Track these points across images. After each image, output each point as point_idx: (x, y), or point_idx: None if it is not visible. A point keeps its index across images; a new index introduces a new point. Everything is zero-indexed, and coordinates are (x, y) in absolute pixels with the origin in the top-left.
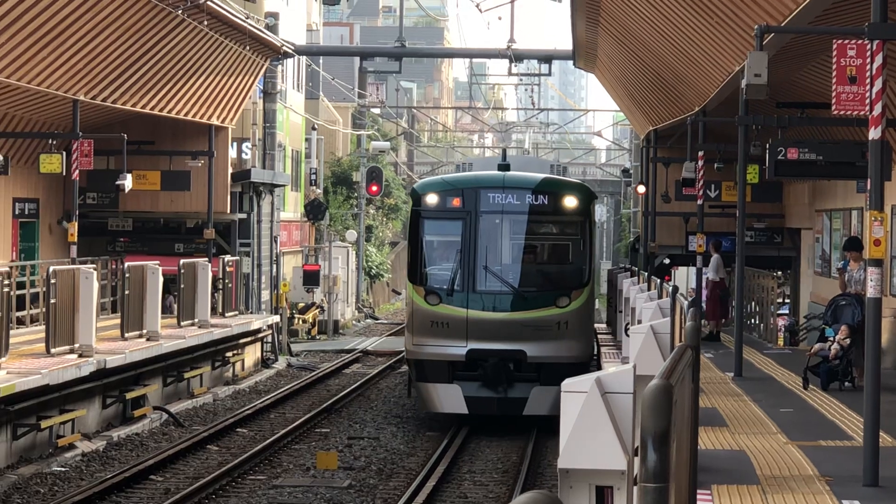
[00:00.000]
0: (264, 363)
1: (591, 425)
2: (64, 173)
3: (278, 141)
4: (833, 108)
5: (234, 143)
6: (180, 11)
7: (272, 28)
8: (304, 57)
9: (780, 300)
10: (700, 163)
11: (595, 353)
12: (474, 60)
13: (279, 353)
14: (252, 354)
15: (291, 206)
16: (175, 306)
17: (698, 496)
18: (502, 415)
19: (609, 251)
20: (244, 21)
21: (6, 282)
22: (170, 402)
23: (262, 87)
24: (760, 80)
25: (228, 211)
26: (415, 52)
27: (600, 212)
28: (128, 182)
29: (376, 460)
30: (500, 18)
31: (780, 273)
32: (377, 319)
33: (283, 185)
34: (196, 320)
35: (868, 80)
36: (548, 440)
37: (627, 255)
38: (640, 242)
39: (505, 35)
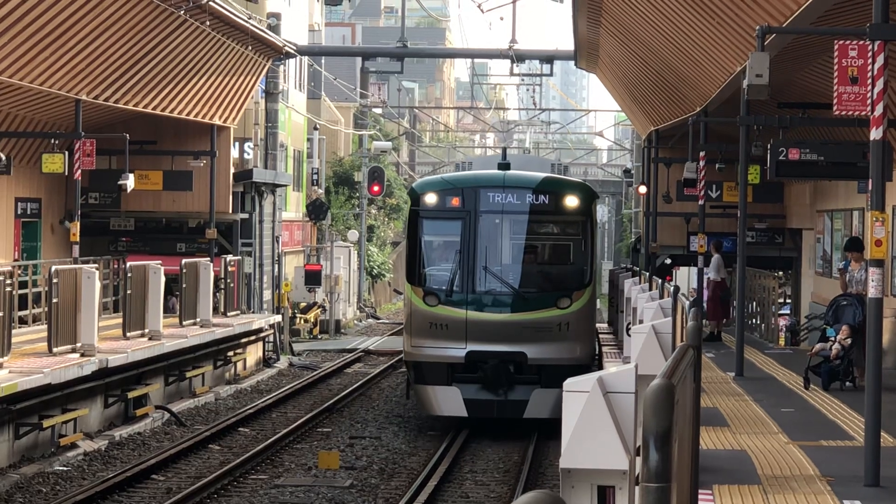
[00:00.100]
0: (266, 363)
1: (592, 425)
2: (66, 173)
3: (280, 141)
4: (834, 108)
5: (237, 143)
6: (182, 12)
7: (274, 28)
8: (307, 57)
9: (781, 300)
10: (701, 163)
11: (597, 353)
12: (476, 61)
13: (281, 352)
14: (254, 354)
15: (293, 206)
16: (177, 307)
17: (699, 496)
18: (502, 418)
19: (610, 251)
20: (246, 21)
21: (8, 281)
22: (172, 402)
23: (264, 87)
24: (762, 81)
25: (230, 211)
26: (417, 52)
27: (602, 212)
28: (130, 182)
29: (378, 460)
30: (501, 19)
31: (781, 273)
32: (379, 319)
33: (285, 185)
34: (198, 320)
35: (869, 81)
36: (549, 440)
37: (629, 255)
38: (641, 243)
39: (506, 35)
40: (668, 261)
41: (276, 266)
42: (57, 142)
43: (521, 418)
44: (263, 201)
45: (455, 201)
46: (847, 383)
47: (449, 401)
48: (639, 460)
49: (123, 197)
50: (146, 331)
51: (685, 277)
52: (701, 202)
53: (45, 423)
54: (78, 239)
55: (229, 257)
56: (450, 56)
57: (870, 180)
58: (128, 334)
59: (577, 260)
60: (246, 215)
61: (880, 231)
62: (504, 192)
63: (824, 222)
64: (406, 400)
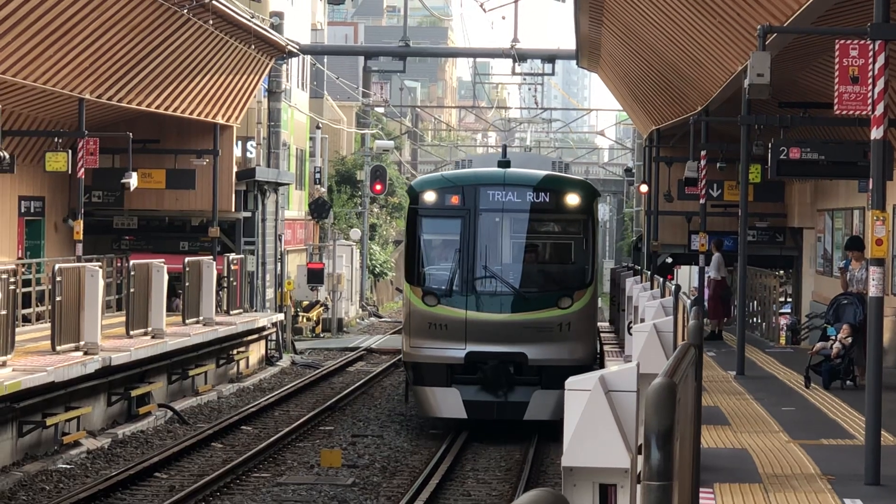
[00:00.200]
0: (269, 361)
1: (594, 423)
2: (69, 171)
3: (283, 140)
4: (835, 107)
5: (239, 142)
6: (186, 11)
7: (277, 27)
8: (309, 56)
9: (782, 299)
10: (702, 162)
11: (598, 353)
12: (478, 60)
13: (283, 350)
14: (256, 352)
15: (296, 205)
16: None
17: (701, 494)
18: (502, 420)
19: (612, 250)
20: (249, 20)
21: (12, 279)
22: (174, 400)
23: (266, 86)
24: (763, 80)
25: (233, 209)
26: (419, 51)
27: (603, 211)
28: (133, 180)
29: (380, 458)
30: (503, 18)
31: (782, 272)
32: (381, 317)
33: (288, 184)
34: (201, 318)
35: (870, 81)
36: (551, 439)
37: (630, 253)
38: (642, 241)
39: (508, 35)
40: (670, 259)
41: (279, 264)
42: (60, 140)
43: (521, 420)
44: (266, 200)
45: (455, 199)
46: (848, 382)
47: (448, 402)
48: (640, 459)
49: (127, 195)
50: (149, 329)
51: (686, 276)
52: (702, 201)
53: (49, 422)
54: (81, 237)
55: (232, 256)
56: (452, 55)
57: (870, 179)
58: (131, 332)
59: (579, 259)
60: (249, 214)
61: (881, 230)
62: (504, 190)
63: (825, 221)
64: (404, 402)
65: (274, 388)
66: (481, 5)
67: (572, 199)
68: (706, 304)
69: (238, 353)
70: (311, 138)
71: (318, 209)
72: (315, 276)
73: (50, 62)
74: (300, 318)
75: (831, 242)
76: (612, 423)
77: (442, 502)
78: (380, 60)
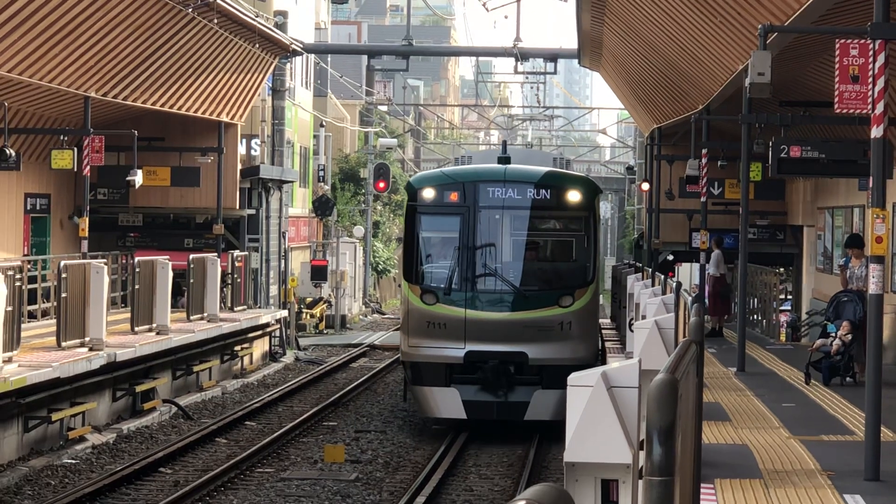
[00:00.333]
0: (272, 357)
1: (596, 419)
2: (75, 169)
3: (287, 138)
4: (835, 106)
5: (244, 140)
6: (191, 9)
7: (281, 26)
8: (313, 55)
9: (782, 297)
10: (703, 160)
11: (600, 352)
12: (480, 59)
13: (287, 347)
14: (260, 348)
15: (300, 202)
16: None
17: (701, 490)
18: (502, 420)
19: (613, 247)
20: (254, 19)
21: (18, 276)
22: (179, 396)
23: (270, 85)
24: (764, 79)
25: (237, 207)
26: (422, 50)
27: (605, 208)
28: (138, 178)
29: (383, 453)
30: (506, 17)
31: (782, 270)
32: (384, 314)
33: (292, 182)
34: (205, 314)
35: (870, 79)
36: (552, 436)
37: (632, 251)
38: (644, 239)
39: (511, 34)
40: (671, 257)
41: (283, 261)
42: (66, 138)
43: (521, 420)
44: (270, 197)
45: (454, 196)
46: (847, 379)
47: (447, 402)
48: (642, 454)
49: (132, 193)
50: (154, 325)
51: (687, 273)
52: (703, 199)
53: (54, 417)
54: (87, 234)
55: (236, 253)
56: (455, 54)
57: (870, 178)
58: (136, 329)
59: (580, 257)
60: (253, 211)
61: (881, 228)
62: (505, 186)
63: (825, 219)
64: (403, 402)
65: (277, 384)
66: (484, 4)
67: (573, 196)
68: (706, 300)
69: (242, 349)
70: (314, 136)
71: (321, 207)
72: (318, 273)
73: (56, 61)
74: (304, 315)
75: (831, 240)
76: (614, 419)
77: (444, 497)
78: (383, 59)
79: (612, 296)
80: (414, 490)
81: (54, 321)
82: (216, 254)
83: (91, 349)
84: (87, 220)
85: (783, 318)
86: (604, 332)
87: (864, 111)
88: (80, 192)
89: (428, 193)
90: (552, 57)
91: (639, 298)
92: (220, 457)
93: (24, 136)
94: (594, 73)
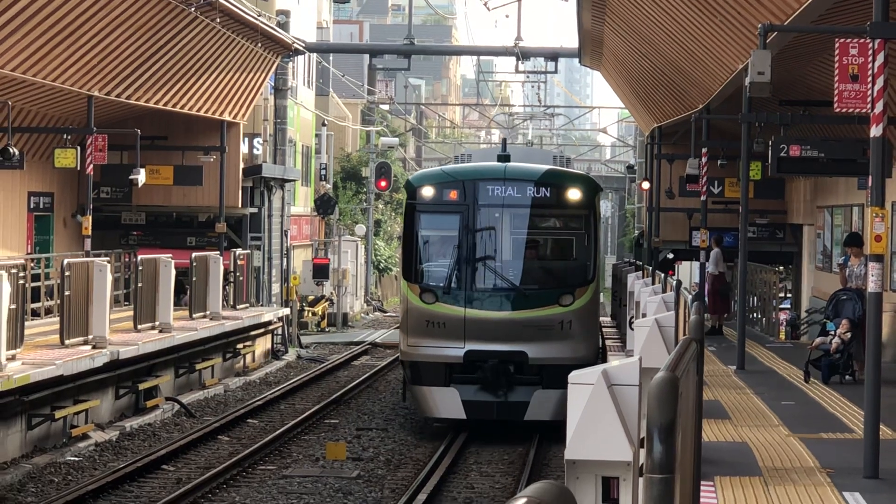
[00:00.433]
0: (274, 355)
1: (597, 417)
2: (78, 168)
3: (289, 137)
4: (835, 105)
5: (246, 139)
6: (193, 9)
7: (283, 25)
8: (315, 54)
9: (781, 295)
10: (703, 159)
11: (600, 351)
12: (482, 58)
13: (289, 345)
14: (262, 346)
15: (302, 201)
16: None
17: (701, 487)
18: (502, 420)
19: (614, 246)
20: (256, 18)
21: (21, 274)
22: (182, 393)
23: (273, 84)
24: (764, 79)
25: (240, 205)
26: (423, 49)
27: (605, 207)
28: (141, 177)
29: (384, 451)
30: (507, 17)
31: (781, 268)
32: (385, 312)
33: (294, 180)
34: (208, 312)
35: (870, 79)
36: (553, 433)
37: (632, 249)
38: (644, 237)
39: (512, 33)
40: (671, 255)
41: (285, 260)
42: (69, 137)
43: (521, 421)
44: (272, 196)
45: (453, 194)
46: (847, 377)
47: (447, 402)
48: (643, 452)
49: (135, 191)
50: (157, 323)
51: (687, 272)
52: (703, 198)
53: (58, 414)
54: (90, 232)
55: (238, 251)
56: (456, 53)
57: (870, 177)
58: (139, 327)
59: (580, 255)
60: (255, 210)
61: (880, 227)
62: (504, 184)
63: (824, 218)
64: (402, 402)
65: (280, 382)
66: (485, 4)
67: (574, 194)
68: (706, 298)
69: (244, 347)
70: (316, 135)
71: (323, 205)
72: (320, 272)
73: (59, 60)
74: (306, 313)
75: (831, 239)
76: (614, 417)
77: (445, 495)
78: (385, 58)
79: (613, 294)
80: (415, 487)
81: (58, 319)
82: (219, 252)
83: (94, 347)
84: (91, 218)
85: (783, 316)
86: (604, 330)
87: (864, 110)
88: (83, 191)
89: (427, 192)
90: (553, 56)
91: (639, 297)
92: (222, 454)
93: (27, 134)
94: (595, 73)
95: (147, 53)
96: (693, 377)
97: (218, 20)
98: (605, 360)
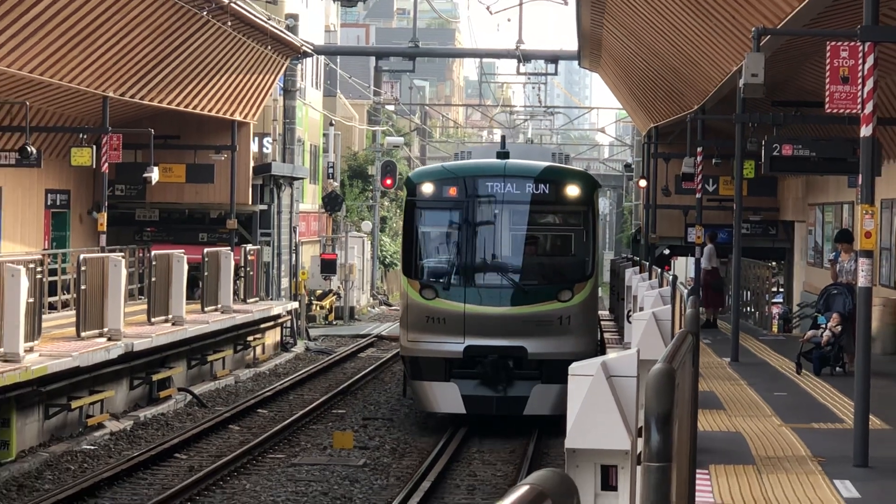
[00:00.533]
0: (283, 347)
1: (596, 407)
2: (94, 166)
3: (297, 136)
4: (826, 106)
5: (256, 138)
6: (205, 13)
7: (292, 29)
8: (323, 56)
9: (774, 289)
10: (699, 158)
11: (599, 346)
12: (484, 60)
13: (298, 337)
14: (272, 339)
15: (310, 198)
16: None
17: (697, 476)
18: (502, 415)
19: (612, 242)
20: (266, 22)
21: (39, 269)
22: (194, 384)
23: (282, 85)
24: (757, 80)
25: (250, 202)
26: (427, 52)
27: (603, 204)
28: (154, 175)
29: (390, 440)
30: (509, 20)
31: (774, 263)
32: (391, 306)
33: (302, 178)
34: (219, 306)
35: (860, 80)
36: (552, 429)
37: (629, 245)
38: (641, 234)
39: (513, 36)
40: (667, 251)
41: (294, 255)
42: (85, 136)
43: (521, 415)
44: (281, 193)
45: (453, 191)
46: (837, 368)
47: (447, 397)
48: (640, 441)
49: (148, 189)
50: (170, 316)
51: (683, 267)
52: (698, 195)
53: (74, 405)
54: (105, 229)
55: (249, 247)
56: (459, 56)
57: (860, 175)
58: (152, 320)
59: (579, 251)
60: (265, 207)
61: (869, 223)
62: (504, 181)
63: (816, 215)
64: (402, 397)
65: (288, 373)
66: (487, 8)
67: (573, 191)
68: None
69: (254, 339)
70: (324, 135)
71: (331, 202)
72: (328, 267)
73: (75, 62)
74: (314, 307)
75: (822, 235)
76: (613, 407)
77: (449, 482)
78: (390, 60)
79: (611, 288)
80: (420, 475)
81: (74, 312)
82: (229, 248)
83: (109, 339)
84: (106, 215)
85: (775, 310)
86: (603, 323)
87: (854, 111)
88: (98, 189)
89: (427, 188)
90: (553, 58)
91: (636, 291)
92: (233, 443)
93: (45, 134)
94: (593, 74)
95: (160, 56)
96: (689, 369)
97: (229, 24)
98: (604, 352)
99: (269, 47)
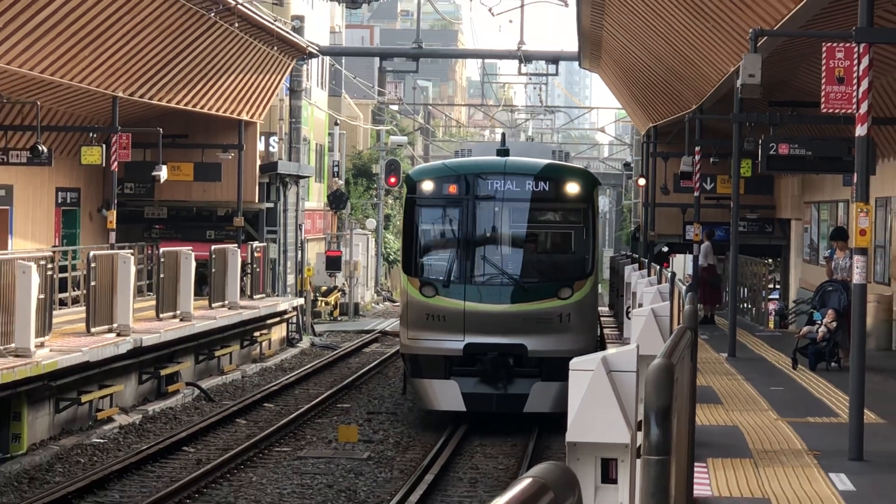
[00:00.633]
0: (289, 342)
1: (597, 401)
2: (103, 165)
3: (303, 135)
4: (822, 106)
5: (262, 137)
6: (213, 14)
7: (298, 30)
8: (328, 57)
9: (770, 286)
10: (697, 157)
11: (599, 343)
12: (486, 61)
13: (303, 333)
14: (278, 334)
15: (315, 196)
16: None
17: (695, 469)
18: (502, 413)
19: (611, 240)
20: (272, 23)
21: (49, 265)
22: (201, 379)
23: (288, 85)
24: (754, 81)
25: (256, 200)
26: (431, 52)
27: (603, 202)
28: (163, 173)
29: (394, 434)
30: (510, 21)
31: (771, 261)
32: (395, 302)
33: (308, 177)
34: (226, 302)
35: (855, 81)
36: (552, 427)
37: (629, 243)
38: (640, 231)
39: (515, 37)
40: (666, 248)
41: (299, 252)
42: (95, 135)
43: (521, 413)
44: (287, 191)
45: (453, 188)
46: (832, 364)
47: (447, 395)
48: (640, 434)
49: (157, 187)
50: (178, 312)
51: (681, 264)
52: (696, 194)
53: (84, 399)
54: (114, 226)
55: (255, 244)
56: (462, 56)
57: (855, 174)
58: (161, 316)
59: (579, 249)
60: (271, 205)
61: (864, 221)
62: (504, 178)
63: (811, 213)
64: (402, 395)
65: (294, 368)
66: (490, 9)
67: (573, 188)
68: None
69: (261, 335)
70: (329, 134)
71: (336, 200)
72: (333, 263)
73: (85, 62)
74: (319, 303)
75: (817, 233)
76: (613, 402)
77: (452, 475)
78: (394, 61)
79: (611, 285)
80: (423, 468)
81: (84, 308)
82: (236, 245)
83: (118, 335)
84: (115, 212)
85: (771, 306)
86: (602, 319)
87: (849, 111)
88: (108, 187)
89: (427, 186)
90: (554, 59)
91: (636, 288)
92: (240, 436)
93: (55, 133)
94: (593, 75)
95: (169, 56)
96: (687, 364)
97: (236, 25)
98: (604, 348)
99: (276, 48)
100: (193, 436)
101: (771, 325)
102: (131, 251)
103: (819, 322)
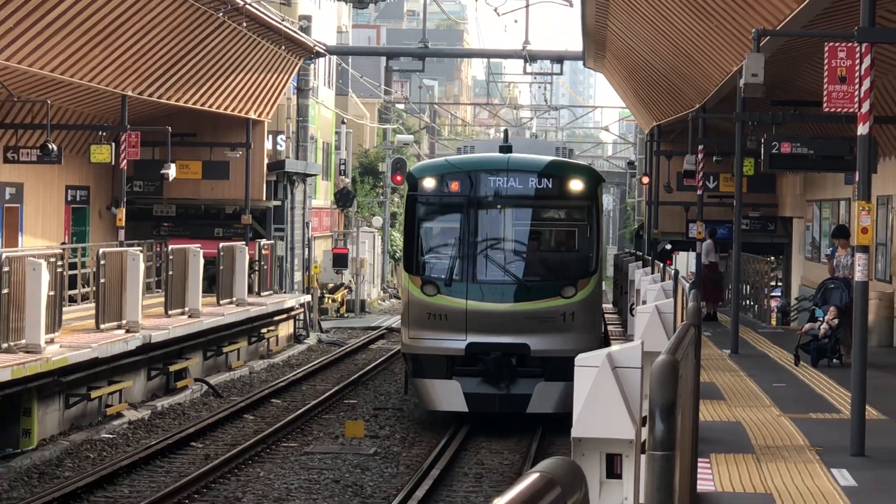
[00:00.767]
0: (296, 339)
1: (602, 397)
2: (113, 163)
3: (310, 134)
4: (824, 105)
5: (270, 136)
6: (221, 14)
7: (305, 30)
8: (335, 56)
9: (773, 283)
10: (700, 156)
11: (603, 342)
12: (491, 60)
13: (310, 329)
14: (285, 331)
15: (322, 194)
16: None
17: (699, 464)
18: (504, 413)
19: (615, 237)
20: (280, 23)
21: (59, 263)
22: (209, 375)
23: (295, 84)
24: (757, 80)
25: (264, 198)
26: (437, 52)
27: (607, 200)
28: (171, 171)
29: (400, 429)
30: (515, 21)
31: (773, 258)
32: (400, 299)
33: (315, 175)
34: (234, 299)
35: (857, 80)
36: (556, 427)
37: (632, 240)
38: (644, 229)
39: (520, 37)
40: (669, 246)
41: (306, 249)
42: (104, 134)
43: (524, 413)
44: (295, 189)
45: (455, 185)
46: (834, 360)
47: (449, 395)
48: (644, 430)
49: (165, 185)
50: (186, 309)
51: (684, 262)
52: (699, 192)
53: (93, 394)
54: (123, 224)
55: (263, 241)
56: (467, 56)
57: (856, 172)
58: (169, 312)
59: (583, 247)
60: (278, 202)
61: (866, 219)
62: (507, 175)
63: (813, 211)
64: (404, 395)
65: (301, 364)
66: (495, 9)
67: (576, 186)
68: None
69: (268, 331)
70: (336, 133)
71: (342, 198)
72: (340, 261)
73: (95, 61)
74: (326, 300)
75: (819, 231)
76: (618, 398)
77: (457, 470)
78: (400, 60)
79: (615, 283)
80: (429, 464)
81: (93, 305)
82: (244, 242)
83: (128, 331)
84: (124, 210)
85: (774, 303)
86: (606, 316)
87: (851, 110)
88: (117, 185)
89: (429, 183)
90: (559, 59)
91: (640, 285)
92: (247, 432)
93: (65, 131)
94: (598, 74)
95: (178, 55)
96: (691, 360)
97: (244, 24)
98: (608, 345)
99: (283, 47)
100: (201, 431)
101: (773, 322)
102: (140, 248)
103: (821, 319)
